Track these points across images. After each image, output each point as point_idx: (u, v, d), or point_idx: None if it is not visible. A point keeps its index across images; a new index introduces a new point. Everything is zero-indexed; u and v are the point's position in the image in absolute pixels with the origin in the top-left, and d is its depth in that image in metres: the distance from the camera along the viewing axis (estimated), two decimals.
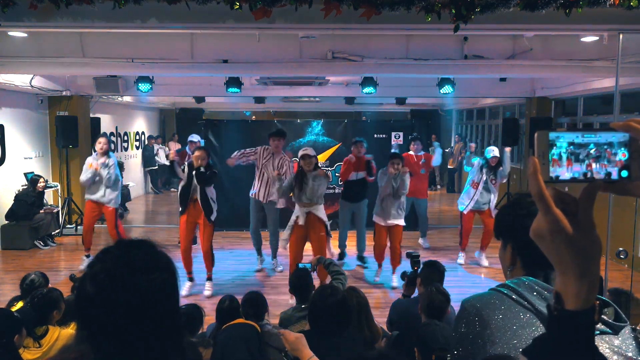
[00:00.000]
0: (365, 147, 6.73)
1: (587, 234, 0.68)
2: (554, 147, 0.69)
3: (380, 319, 3.81)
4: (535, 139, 0.70)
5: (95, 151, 6.66)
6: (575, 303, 0.68)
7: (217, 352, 2.84)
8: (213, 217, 5.73)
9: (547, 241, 0.69)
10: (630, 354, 0.96)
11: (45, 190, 8.23)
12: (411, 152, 7.95)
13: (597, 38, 5.62)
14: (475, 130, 13.97)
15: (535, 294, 1.02)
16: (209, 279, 5.92)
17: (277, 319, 3.84)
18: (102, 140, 6.57)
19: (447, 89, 7.56)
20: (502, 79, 8.18)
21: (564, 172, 0.69)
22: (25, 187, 8.10)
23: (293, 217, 5.62)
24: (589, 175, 0.69)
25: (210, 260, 5.86)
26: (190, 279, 5.91)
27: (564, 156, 0.69)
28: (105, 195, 6.59)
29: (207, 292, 5.83)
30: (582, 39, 5.85)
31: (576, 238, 0.68)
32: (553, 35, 5.96)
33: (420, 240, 8.05)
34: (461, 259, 7.19)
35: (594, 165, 0.69)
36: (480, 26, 4.25)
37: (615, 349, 0.95)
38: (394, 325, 3.57)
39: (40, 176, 8.08)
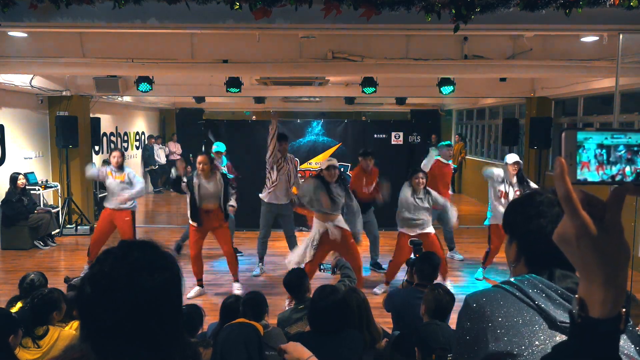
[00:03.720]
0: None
1: (615, 238, 0.65)
2: (582, 148, 0.66)
3: (381, 319, 3.81)
4: (562, 139, 0.67)
5: (109, 163, 6.51)
6: (600, 311, 0.65)
7: (216, 351, 2.84)
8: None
9: (573, 246, 0.66)
10: (633, 354, 0.96)
11: (27, 187, 8.00)
12: (442, 159, 7.25)
13: (597, 38, 5.62)
14: (475, 130, 13.97)
15: (539, 292, 1.02)
16: (236, 280, 6.05)
17: (275, 320, 3.84)
18: (116, 154, 6.47)
19: (447, 89, 7.56)
20: (502, 79, 8.18)
21: (593, 174, 0.66)
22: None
23: (314, 235, 5.30)
24: (618, 177, 0.66)
25: (233, 263, 5.97)
26: (200, 285, 5.97)
27: (593, 157, 0.66)
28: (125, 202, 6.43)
29: (237, 292, 5.72)
30: (582, 39, 5.85)
31: (603, 243, 0.65)
32: (553, 35, 5.96)
33: (449, 254, 7.28)
34: (479, 274, 6.46)
35: (623, 167, 0.66)
36: (480, 26, 4.25)
37: (620, 350, 0.95)
38: (393, 315, 3.62)
39: (19, 173, 7.87)
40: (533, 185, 6.06)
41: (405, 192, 5.64)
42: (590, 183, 0.67)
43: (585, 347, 0.66)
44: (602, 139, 0.66)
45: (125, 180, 6.41)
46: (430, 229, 5.64)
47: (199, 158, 5.59)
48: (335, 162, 5.44)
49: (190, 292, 5.84)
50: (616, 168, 0.66)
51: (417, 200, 5.58)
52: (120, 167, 6.42)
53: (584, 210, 0.65)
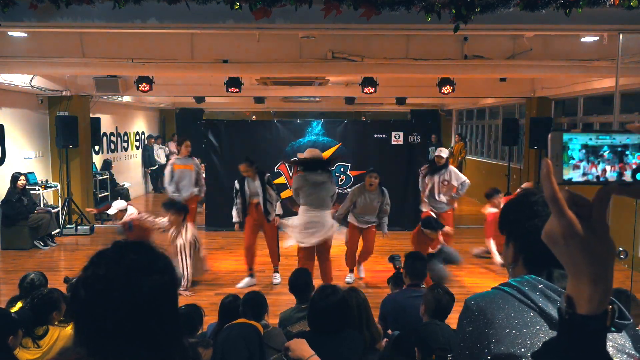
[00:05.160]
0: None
1: (601, 237, 0.67)
2: (568, 149, 0.68)
3: None
4: (549, 140, 0.69)
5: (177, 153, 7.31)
6: (588, 308, 0.67)
7: (217, 351, 2.84)
8: (270, 218, 6.13)
9: (560, 245, 0.68)
10: (633, 352, 0.96)
11: (27, 187, 7.98)
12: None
13: (597, 38, 5.62)
14: (475, 130, 13.97)
15: (538, 292, 1.02)
16: (276, 270, 6.40)
17: (276, 319, 3.84)
18: (188, 142, 7.36)
19: (447, 89, 7.56)
20: (502, 79, 8.17)
21: (578, 175, 0.68)
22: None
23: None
24: (602, 177, 0.68)
25: (275, 257, 6.37)
26: (251, 275, 6.32)
27: (578, 158, 0.68)
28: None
29: (275, 280, 6.30)
30: (582, 39, 5.85)
31: (590, 242, 0.66)
32: (553, 35, 5.96)
33: None
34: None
35: (607, 167, 0.67)
36: (480, 26, 4.24)
37: (619, 347, 0.95)
38: (387, 321, 3.62)
39: (20, 173, 7.85)
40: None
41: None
42: (575, 183, 0.68)
43: (573, 343, 0.68)
44: (587, 140, 0.68)
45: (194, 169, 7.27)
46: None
47: (241, 167, 6.12)
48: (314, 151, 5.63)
49: (240, 283, 6.27)
50: (600, 168, 0.68)
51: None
52: (190, 156, 7.31)
53: (570, 209, 0.67)
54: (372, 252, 6.36)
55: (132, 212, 6.13)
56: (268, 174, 6.23)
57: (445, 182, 6.80)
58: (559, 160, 0.68)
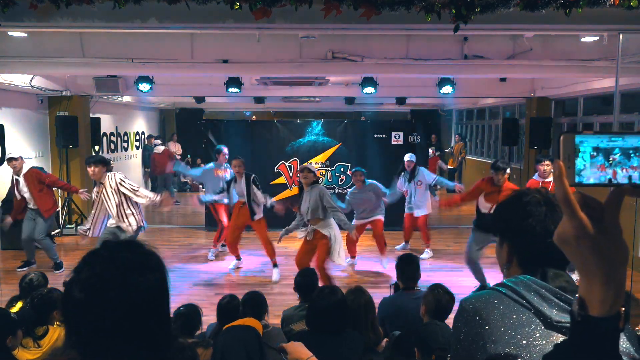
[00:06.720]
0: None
1: (613, 239, 0.67)
2: (580, 151, 0.68)
3: None
4: (560, 142, 0.69)
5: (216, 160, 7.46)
6: (600, 309, 0.67)
7: (216, 354, 2.84)
8: (256, 218, 6.34)
9: (572, 246, 0.68)
10: (627, 350, 0.96)
11: None
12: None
13: (597, 38, 5.62)
14: (475, 130, 13.98)
15: (533, 292, 1.03)
16: (275, 265, 6.47)
17: (277, 319, 3.84)
18: (225, 149, 7.44)
19: (447, 89, 7.56)
20: (502, 79, 8.17)
21: (590, 176, 0.68)
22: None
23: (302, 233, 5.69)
24: (614, 179, 0.68)
25: (270, 250, 6.42)
26: (238, 258, 6.81)
27: (590, 160, 0.68)
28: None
29: (274, 278, 6.35)
30: (582, 39, 5.85)
31: (602, 243, 0.66)
32: (553, 35, 5.97)
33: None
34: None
35: (619, 169, 0.68)
36: (480, 26, 4.25)
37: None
38: (385, 324, 3.63)
39: None
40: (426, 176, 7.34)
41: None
42: (587, 185, 0.68)
43: (586, 346, 0.68)
44: (599, 142, 0.68)
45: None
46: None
47: (235, 162, 6.30)
48: (308, 164, 5.78)
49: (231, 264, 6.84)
50: (612, 171, 0.68)
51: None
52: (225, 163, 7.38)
53: (582, 211, 0.67)
54: (383, 236, 6.78)
55: None
56: (254, 176, 6.36)
57: (419, 182, 7.26)
58: (571, 162, 0.68)
